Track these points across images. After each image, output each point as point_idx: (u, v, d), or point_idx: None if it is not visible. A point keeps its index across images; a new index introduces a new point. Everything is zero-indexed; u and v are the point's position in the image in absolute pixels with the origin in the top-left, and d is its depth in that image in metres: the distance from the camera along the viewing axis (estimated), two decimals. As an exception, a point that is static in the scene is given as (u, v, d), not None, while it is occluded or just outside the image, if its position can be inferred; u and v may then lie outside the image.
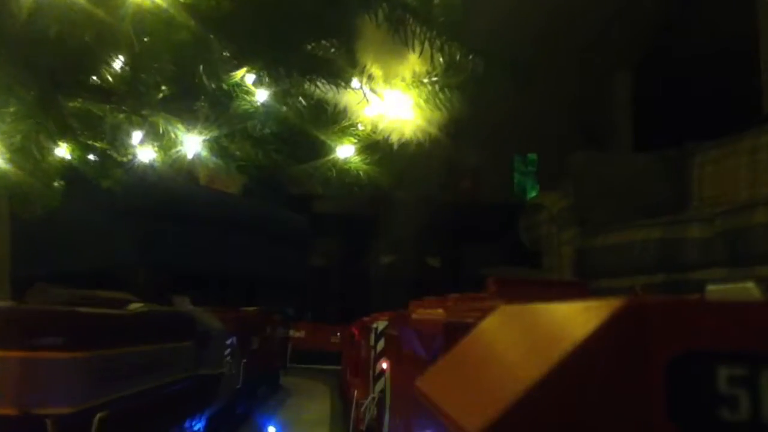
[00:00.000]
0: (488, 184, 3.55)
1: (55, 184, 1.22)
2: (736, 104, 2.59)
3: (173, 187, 1.70)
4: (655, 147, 2.45)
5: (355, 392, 1.06)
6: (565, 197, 2.42)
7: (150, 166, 1.12)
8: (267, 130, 1.01)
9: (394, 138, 0.96)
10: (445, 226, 3.35)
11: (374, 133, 1.00)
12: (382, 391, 0.76)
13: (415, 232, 3.29)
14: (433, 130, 0.95)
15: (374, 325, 0.86)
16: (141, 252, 1.59)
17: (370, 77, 0.88)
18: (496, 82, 0.87)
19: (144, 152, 1.10)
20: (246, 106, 0.93)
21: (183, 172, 1.90)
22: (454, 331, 0.32)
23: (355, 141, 1.06)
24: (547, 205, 2.46)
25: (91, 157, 1.18)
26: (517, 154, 3.67)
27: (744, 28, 2.64)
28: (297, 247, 2.18)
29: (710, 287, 0.21)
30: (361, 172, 1.10)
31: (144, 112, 0.93)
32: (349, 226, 3.44)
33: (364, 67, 0.87)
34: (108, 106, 0.94)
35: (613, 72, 3.43)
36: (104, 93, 0.91)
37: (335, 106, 0.98)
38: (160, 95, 0.92)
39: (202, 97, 0.92)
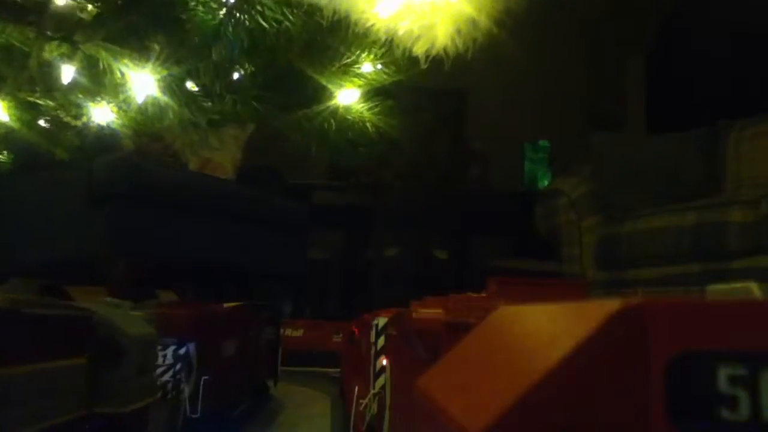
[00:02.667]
0: (498, 171, 3.45)
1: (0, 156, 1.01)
2: (753, 85, 2.53)
3: (156, 171, 1.61)
4: (668, 131, 2.35)
5: (356, 388, 1.06)
6: (585, 182, 2.29)
7: (107, 128, 0.91)
8: (243, 69, 0.76)
9: (420, 49, 0.66)
10: (453, 217, 3.29)
11: (390, 48, 0.71)
12: (383, 387, 0.77)
13: (421, 223, 3.23)
14: (485, 24, 0.62)
15: (375, 322, 0.86)
16: (119, 241, 1.46)
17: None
18: None
19: (99, 112, 0.89)
20: (205, 18, 0.69)
21: (165, 152, 1.83)
22: (455, 331, 0.33)
23: (361, 83, 0.82)
24: (565, 190, 2.32)
25: (42, 123, 0.96)
26: (527, 141, 3.55)
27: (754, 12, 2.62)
28: (296, 239, 2.11)
29: (710, 287, 0.21)
30: (368, 124, 0.87)
31: (76, 38, 0.72)
32: (350, 217, 3.37)
33: None
34: (32, 36, 0.73)
35: (625, 56, 3.40)
36: (17, 9, 0.71)
37: (334, 11, 0.69)
38: (92, 11, 0.71)
39: (148, 12, 0.69)
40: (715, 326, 0.18)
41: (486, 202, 3.29)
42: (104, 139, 1.55)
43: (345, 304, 3.28)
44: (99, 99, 0.86)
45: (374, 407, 0.80)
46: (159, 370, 0.85)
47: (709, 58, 2.82)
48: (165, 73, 0.77)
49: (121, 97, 0.82)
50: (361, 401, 0.87)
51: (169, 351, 0.87)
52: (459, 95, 3.59)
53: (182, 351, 0.88)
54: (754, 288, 0.20)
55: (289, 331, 2.55)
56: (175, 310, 0.91)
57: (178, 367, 0.87)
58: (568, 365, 0.18)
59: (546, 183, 3.34)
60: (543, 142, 3.55)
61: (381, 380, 0.79)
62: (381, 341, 0.83)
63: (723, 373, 0.18)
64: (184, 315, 0.92)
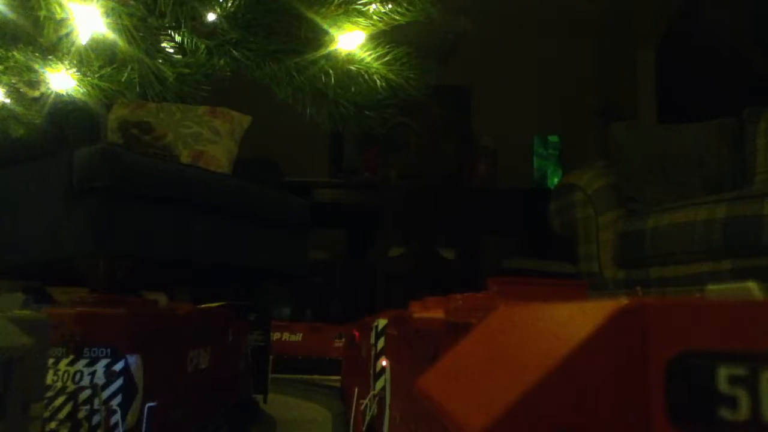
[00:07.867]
0: (506, 168, 3.44)
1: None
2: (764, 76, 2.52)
3: (142, 161, 1.52)
4: (679, 123, 2.30)
5: (356, 389, 1.07)
6: (602, 175, 2.24)
7: (67, 96, 0.78)
8: (220, 9, 0.62)
9: None
10: (461, 215, 3.25)
11: None
12: (383, 389, 0.78)
13: (427, 222, 3.20)
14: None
15: (375, 323, 0.87)
16: (101, 239, 1.37)
17: None
18: None
19: (57, 78, 0.75)
20: None
21: (155, 144, 1.75)
22: (455, 331, 0.34)
23: (366, 24, 0.66)
24: (581, 184, 2.26)
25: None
26: (537, 136, 3.49)
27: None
28: (295, 237, 2.07)
29: (710, 287, 0.21)
30: (376, 78, 0.70)
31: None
32: (354, 216, 3.33)
33: None
34: None
35: (636, 48, 3.39)
36: None
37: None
38: None
39: None
40: (715, 326, 0.19)
41: (494, 200, 3.27)
42: (86, 128, 1.48)
43: (348, 307, 3.27)
44: (32, 44, 0.71)
45: (374, 408, 0.81)
46: (81, 397, 0.64)
47: (720, 51, 2.81)
48: (114, 5, 0.61)
49: (63, 31, 0.65)
50: (361, 402, 0.88)
51: (99, 367, 0.65)
52: (465, 92, 3.58)
53: (118, 366, 0.66)
54: (754, 288, 0.20)
55: (286, 336, 2.48)
56: (109, 309, 0.69)
57: (112, 389, 0.65)
58: (568, 365, 0.19)
59: (556, 179, 3.31)
60: (553, 137, 3.51)
61: (381, 381, 0.79)
62: (381, 342, 0.84)
63: (723, 373, 0.18)
64: (122, 316, 0.69)
